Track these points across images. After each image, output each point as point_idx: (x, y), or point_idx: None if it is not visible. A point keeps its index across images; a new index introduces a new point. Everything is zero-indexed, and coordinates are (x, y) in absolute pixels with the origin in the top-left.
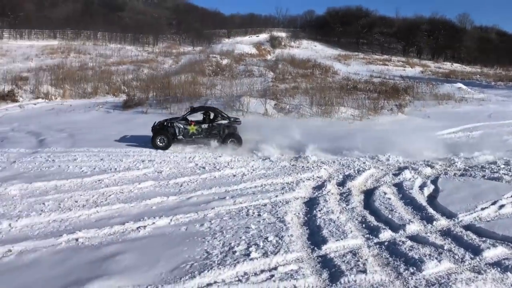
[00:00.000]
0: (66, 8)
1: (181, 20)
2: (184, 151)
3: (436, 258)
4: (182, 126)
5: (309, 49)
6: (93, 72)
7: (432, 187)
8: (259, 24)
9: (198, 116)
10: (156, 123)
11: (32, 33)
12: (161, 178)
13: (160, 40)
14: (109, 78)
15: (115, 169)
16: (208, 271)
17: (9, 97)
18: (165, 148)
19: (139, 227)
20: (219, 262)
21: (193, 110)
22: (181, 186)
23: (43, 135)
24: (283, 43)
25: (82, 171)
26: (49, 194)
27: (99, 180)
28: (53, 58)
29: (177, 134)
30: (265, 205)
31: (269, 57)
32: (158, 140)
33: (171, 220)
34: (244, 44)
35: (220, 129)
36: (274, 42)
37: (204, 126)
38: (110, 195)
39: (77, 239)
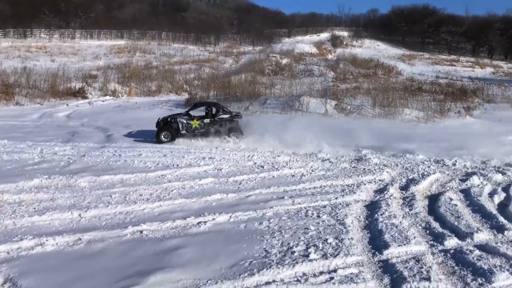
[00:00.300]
0: (133, 9)
1: (242, 20)
2: (243, 150)
3: (508, 270)
4: (185, 121)
5: (371, 48)
6: (157, 71)
7: (503, 194)
8: (320, 23)
9: (201, 112)
10: (160, 119)
11: (101, 33)
12: (220, 175)
13: (221, 40)
14: (172, 77)
15: (177, 165)
16: (267, 269)
17: (79, 94)
18: (170, 141)
19: (199, 222)
20: (277, 261)
21: (196, 106)
22: (240, 184)
23: (111, 130)
24: (344, 43)
25: (147, 166)
26: (115, 187)
27: (162, 175)
28: (120, 57)
29: (181, 129)
30: (324, 206)
31: (329, 56)
32: (162, 135)
33: (230, 217)
34: (304, 43)
35: (222, 123)
36: (336, 41)
37: (206, 120)
38: (172, 190)
39: (141, 231)
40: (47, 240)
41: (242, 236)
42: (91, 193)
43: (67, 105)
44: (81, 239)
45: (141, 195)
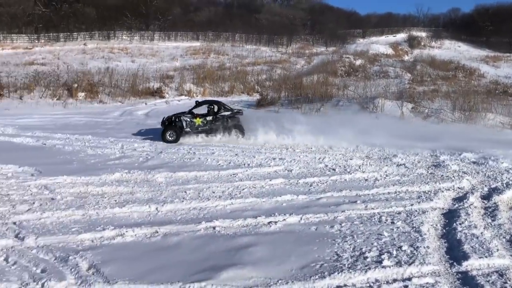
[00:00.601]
0: (208, 12)
1: (316, 21)
2: (314, 152)
3: None
4: (188, 119)
5: (451, 49)
6: (230, 72)
7: None
8: (396, 24)
9: (204, 110)
10: (164, 118)
11: (178, 35)
12: (291, 176)
13: (294, 41)
14: (244, 78)
15: (248, 164)
16: (338, 273)
17: (157, 93)
18: (174, 141)
19: (270, 222)
20: (349, 265)
21: (198, 104)
22: (310, 186)
23: None
24: (422, 43)
25: (219, 164)
26: (190, 183)
27: (233, 174)
28: (195, 58)
29: (185, 127)
30: (399, 213)
31: (406, 57)
32: (168, 135)
33: (301, 218)
34: (379, 44)
35: (224, 120)
36: (413, 42)
37: (209, 118)
38: (243, 189)
39: (214, 227)
40: (126, 231)
41: (312, 238)
42: (167, 188)
43: (145, 103)
44: (158, 232)
45: (213, 192)
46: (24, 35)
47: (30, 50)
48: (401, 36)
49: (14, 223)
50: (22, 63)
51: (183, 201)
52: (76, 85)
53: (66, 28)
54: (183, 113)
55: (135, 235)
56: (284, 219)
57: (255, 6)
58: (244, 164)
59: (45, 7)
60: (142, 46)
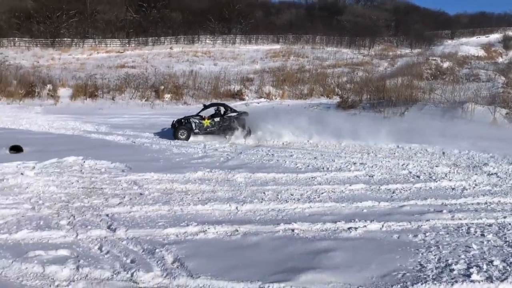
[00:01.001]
0: (290, 14)
1: (401, 22)
2: (397, 157)
3: None
4: (197, 121)
5: None
6: (310, 75)
7: None
8: (490, 23)
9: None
10: (174, 121)
11: (259, 38)
12: (372, 182)
13: (377, 43)
14: (324, 81)
15: (327, 168)
16: (422, 284)
17: (237, 95)
18: (185, 139)
19: (350, 227)
20: (434, 277)
21: (206, 107)
22: (393, 193)
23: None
24: None
25: (297, 167)
26: (268, 184)
27: (312, 177)
28: (275, 61)
29: (194, 128)
30: (490, 225)
31: (500, 59)
32: (179, 133)
33: (382, 225)
34: (469, 45)
35: (231, 121)
36: (508, 43)
37: (217, 119)
38: (322, 193)
39: (292, 230)
40: (208, 228)
41: (394, 247)
42: (246, 188)
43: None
44: (238, 231)
45: (292, 195)
46: (116, 39)
47: (122, 53)
48: (495, 36)
49: (107, 215)
50: (114, 66)
51: (262, 202)
52: (162, 87)
53: (154, 33)
54: (192, 116)
55: (217, 232)
56: (365, 226)
57: (337, 7)
58: (323, 168)
59: (136, 13)
60: (224, 50)
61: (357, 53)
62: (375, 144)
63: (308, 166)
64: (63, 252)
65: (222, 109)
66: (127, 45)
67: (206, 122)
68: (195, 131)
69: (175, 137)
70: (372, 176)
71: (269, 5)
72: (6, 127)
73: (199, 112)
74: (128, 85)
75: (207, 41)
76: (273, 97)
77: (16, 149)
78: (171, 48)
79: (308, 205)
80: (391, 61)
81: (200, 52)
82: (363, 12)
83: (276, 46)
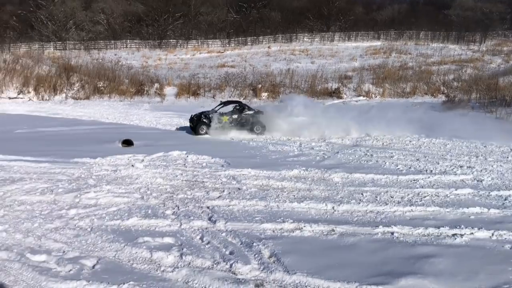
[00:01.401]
0: (392, 10)
1: None
2: (510, 162)
3: None
4: (217, 117)
5: None
6: (413, 72)
7: None
8: None
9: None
10: (194, 116)
11: (358, 35)
12: (481, 187)
13: (489, 37)
14: (428, 78)
15: (431, 171)
16: None
17: (335, 93)
18: (205, 134)
19: (455, 234)
20: None
21: (223, 104)
22: (505, 200)
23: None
24: None
25: (398, 168)
26: (366, 186)
27: (414, 180)
28: (375, 58)
29: (213, 124)
30: None
31: None
32: (199, 129)
33: (492, 234)
34: None
35: (248, 118)
36: None
37: (235, 116)
38: (425, 196)
39: (392, 233)
40: (304, 226)
41: (506, 257)
42: (343, 188)
43: (323, 104)
44: (334, 231)
45: (392, 197)
46: (217, 40)
47: (222, 53)
48: None
49: (208, 207)
50: (215, 65)
51: (359, 203)
52: (260, 85)
53: (253, 32)
54: (209, 112)
55: (313, 230)
56: (472, 233)
57: (444, 1)
58: (426, 170)
59: (236, 14)
60: (322, 47)
61: (466, 49)
62: (485, 147)
63: (409, 168)
64: (168, 240)
65: (240, 107)
66: (227, 45)
67: (225, 119)
68: (215, 126)
69: (196, 132)
70: (481, 181)
71: (370, 1)
72: (119, 122)
73: (215, 108)
74: (228, 84)
75: (305, 39)
76: (373, 96)
77: (127, 143)
78: (269, 47)
79: (409, 208)
80: (506, 57)
81: (297, 51)
82: (473, 5)
83: (377, 43)
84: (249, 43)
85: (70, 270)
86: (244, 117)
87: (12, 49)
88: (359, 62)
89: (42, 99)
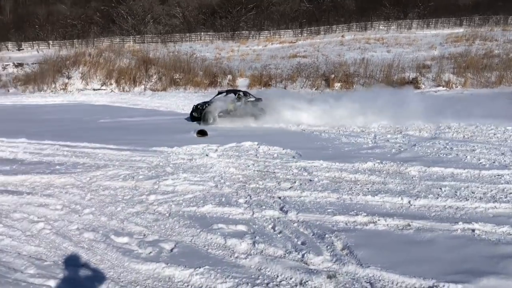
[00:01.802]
0: None
1: None
2: None
3: None
4: (224, 105)
5: None
6: (499, 60)
7: None
8: None
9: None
10: (199, 105)
11: (438, 22)
12: None
13: None
14: None
15: None
16: None
17: (412, 83)
18: (212, 124)
19: None
20: None
21: (226, 93)
22: None
23: (442, 122)
24: None
25: (480, 163)
26: (445, 180)
27: (498, 175)
28: (457, 46)
29: (219, 112)
30: None
31: None
32: (208, 118)
33: None
34: None
35: (251, 105)
36: None
37: (238, 103)
38: (510, 193)
39: (473, 230)
40: (378, 220)
41: None
42: (420, 182)
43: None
44: (410, 225)
45: (473, 193)
46: (289, 30)
47: (294, 43)
48: None
49: (279, 197)
50: (287, 56)
51: (437, 198)
52: (333, 75)
53: (326, 22)
54: (211, 101)
55: (387, 224)
56: None
57: None
58: None
59: (309, 3)
60: (399, 36)
61: None
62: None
63: (493, 162)
64: (241, 228)
65: (243, 95)
66: (300, 35)
67: (229, 106)
68: (219, 114)
69: (204, 121)
70: None
71: None
72: None
73: (212, 100)
74: (300, 74)
75: (381, 27)
76: (453, 85)
77: (202, 133)
78: (342, 36)
79: (493, 205)
80: None
81: (372, 39)
82: None
83: (459, 30)
84: (322, 33)
85: (150, 252)
86: (248, 103)
87: (95, 43)
88: (439, 51)
89: (123, 91)
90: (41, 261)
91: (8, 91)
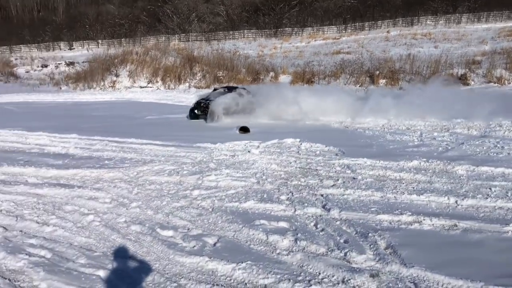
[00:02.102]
0: None
1: None
2: None
3: None
4: (227, 102)
5: None
6: None
7: None
8: None
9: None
10: (202, 104)
11: (490, 16)
12: None
13: None
14: None
15: None
16: None
17: (461, 80)
18: (217, 120)
19: None
20: None
21: (225, 89)
22: None
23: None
24: None
25: None
26: (495, 180)
27: None
28: (510, 40)
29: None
30: None
31: None
32: (214, 116)
33: None
34: None
35: (249, 100)
36: None
37: (242, 99)
38: None
39: None
40: (424, 219)
41: None
42: (468, 182)
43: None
44: (457, 226)
45: None
46: (333, 26)
47: (338, 40)
48: None
49: (321, 195)
50: (330, 52)
51: (487, 198)
52: (378, 72)
53: (371, 17)
54: (210, 98)
55: (433, 224)
56: None
57: None
58: None
59: None
60: (447, 31)
61: None
62: None
63: None
64: (283, 224)
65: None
66: (343, 31)
67: (234, 102)
68: (229, 111)
69: (211, 118)
70: None
71: None
72: None
73: (209, 96)
74: (343, 71)
75: (428, 22)
76: (505, 82)
77: (244, 129)
78: (388, 31)
79: None
80: None
81: (419, 35)
82: None
83: None
84: (366, 28)
85: (194, 246)
86: (247, 99)
87: (142, 42)
88: (490, 45)
89: (168, 88)
90: (91, 251)
91: (60, 88)
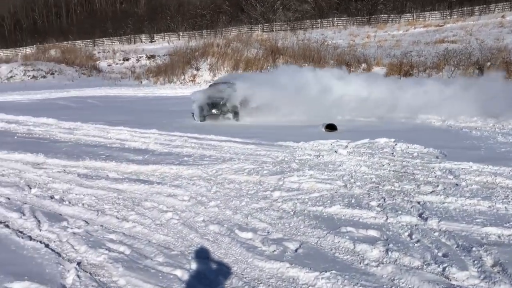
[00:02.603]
0: None
1: None
2: None
3: None
4: (238, 99)
5: None
6: None
7: None
8: None
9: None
10: (210, 103)
11: None
12: None
13: None
14: None
15: None
16: None
17: None
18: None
19: None
20: None
21: (212, 85)
22: None
23: None
24: None
25: None
26: None
27: None
28: None
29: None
30: None
31: None
32: (227, 114)
33: None
34: None
35: None
36: None
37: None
38: None
39: None
40: None
41: None
42: None
43: None
44: None
45: None
46: (436, 12)
47: (441, 27)
48: None
49: (418, 202)
50: (432, 41)
51: None
52: (489, 63)
53: (482, 0)
54: (222, 96)
55: None
56: None
57: None
58: None
59: None
60: None
61: None
62: None
63: None
64: (372, 233)
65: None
66: (448, 17)
67: (243, 98)
68: (242, 109)
69: (223, 116)
70: None
71: None
72: None
73: (210, 88)
74: (447, 62)
75: None
76: None
77: (331, 127)
78: (502, 16)
79: None
80: None
81: None
82: None
83: None
84: (476, 13)
85: (274, 250)
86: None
87: (224, 33)
88: None
89: None
90: (169, 250)
91: (141, 82)
